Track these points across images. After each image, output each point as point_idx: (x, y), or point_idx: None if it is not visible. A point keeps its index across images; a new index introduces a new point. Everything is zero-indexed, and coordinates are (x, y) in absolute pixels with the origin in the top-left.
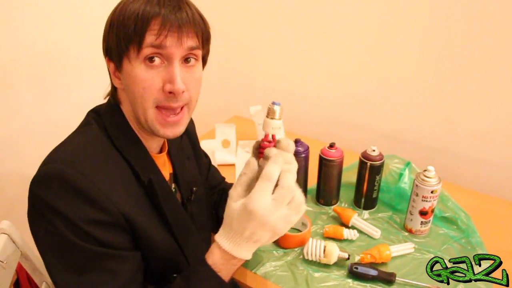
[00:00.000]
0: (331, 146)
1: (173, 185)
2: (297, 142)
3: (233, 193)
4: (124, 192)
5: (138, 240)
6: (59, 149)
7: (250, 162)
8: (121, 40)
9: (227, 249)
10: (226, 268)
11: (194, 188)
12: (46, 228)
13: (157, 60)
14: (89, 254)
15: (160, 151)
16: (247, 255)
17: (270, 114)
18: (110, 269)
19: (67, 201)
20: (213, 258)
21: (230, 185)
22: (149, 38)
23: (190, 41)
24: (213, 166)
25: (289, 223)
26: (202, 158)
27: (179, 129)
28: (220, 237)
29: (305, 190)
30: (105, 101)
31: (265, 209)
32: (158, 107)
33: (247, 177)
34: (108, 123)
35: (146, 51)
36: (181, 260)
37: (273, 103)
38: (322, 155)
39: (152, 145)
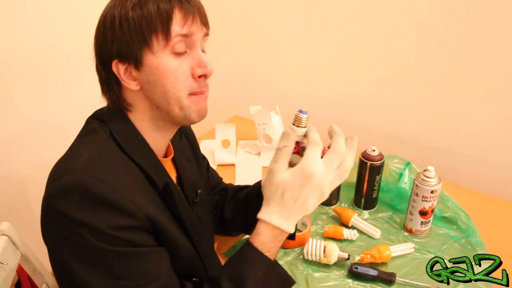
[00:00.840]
0: None
1: (177, 188)
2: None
3: (276, 167)
4: (144, 196)
5: (161, 241)
6: (71, 160)
7: (290, 133)
8: (144, 33)
9: (278, 224)
10: (275, 246)
11: (199, 191)
12: (73, 242)
13: (183, 49)
14: (123, 257)
15: (165, 156)
16: (293, 228)
17: (296, 122)
18: (148, 267)
19: (91, 211)
20: (261, 238)
21: (229, 185)
22: (176, 27)
23: (206, 26)
24: (211, 167)
25: (333, 188)
26: (202, 159)
27: (207, 109)
28: (268, 214)
29: None
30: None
31: (321, 172)
32: (190, 94)
33: (289, 150)
34: (115, 129)
35: (175, 40)
36: (197, 262)
37: (300, 111)
38: (323, 155)
39: (160, 150)
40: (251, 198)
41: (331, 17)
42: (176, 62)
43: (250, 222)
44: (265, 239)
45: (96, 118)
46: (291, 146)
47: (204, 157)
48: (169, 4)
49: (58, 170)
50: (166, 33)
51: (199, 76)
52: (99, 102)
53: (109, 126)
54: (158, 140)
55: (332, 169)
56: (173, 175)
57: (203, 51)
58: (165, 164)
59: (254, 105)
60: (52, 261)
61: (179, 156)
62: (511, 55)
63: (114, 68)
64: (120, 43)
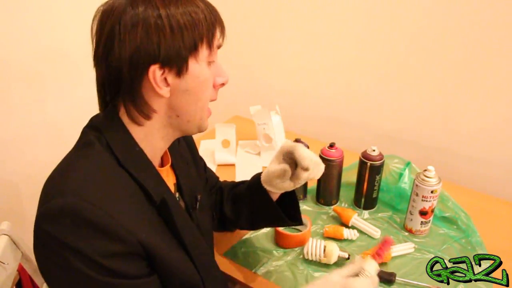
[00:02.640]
0: (331, 146)
1: (176, 194)
2: (297, 142)
3: (339, 270)
4: (137, 217)
5: (155, 263)
6: (63, 178)
7: (375, 265)
8: (194, 41)
9: None
10: None
11: (199, 196)
12: (60, 265)
13: (214, 58)
14: (108, 287)
15: (162, 164)
16: None
17: None
18: None
19: (82, 236)
20: None
21: (223, 183)
22: (216, 39)
23: None
24: (208, 167)
25: None
26: (200, 160)
27: None
28: None
29: (305, 190)
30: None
31: None
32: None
33: (348, 270)
34: (112, 140)
35: (215, 50)
36: (195, 277)
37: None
38: (322, 155)
39: (157, 158)
40: (254, 194)
41: (331, 17)
42: (209, 72)
43: (256, 219)
44: None
45: (92, 128)
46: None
47: (201, 158)
48: (212, 15)
49: (50, 189)
50: (211, 43)
51: (221, 84)
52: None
53: (106, 137)
54: (157, 149)
55: None
56: (171, 183)
57: None
58: (163, 173)
59: (254, 105)
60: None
61: (178, 161)
62: (511, 55)
63: (150, 72)
64: (169, 48)
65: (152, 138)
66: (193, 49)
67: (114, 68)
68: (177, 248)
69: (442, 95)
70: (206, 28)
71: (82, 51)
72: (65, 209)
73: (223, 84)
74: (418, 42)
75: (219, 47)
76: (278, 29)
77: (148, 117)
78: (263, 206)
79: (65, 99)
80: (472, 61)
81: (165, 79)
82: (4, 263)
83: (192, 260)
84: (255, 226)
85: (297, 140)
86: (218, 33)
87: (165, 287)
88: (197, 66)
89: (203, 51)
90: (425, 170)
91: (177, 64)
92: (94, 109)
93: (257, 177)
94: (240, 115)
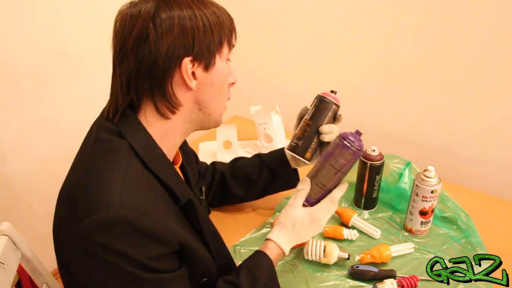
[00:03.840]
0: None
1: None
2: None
3: (295, 203)
4: (172, 217)
5: (185, 257)
6: (104, 190)
7: (308, 179)
8: (220, 38)
9: (284, 249)
10: (276, 260)
11: (203, 187)
12: (107, 271)
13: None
14: (155, 282)
15: (173, 163)
16: (288, 252)
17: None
18: None
19: (132, 244)
20: (271, 253)
21: (215, 165)
22: (233, 39)
23: None
24: (197, 156)
25: None
26: (189, 150)
27: None
28: (280, 239)
29: None
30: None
31: (325, 220)
32: None
33: (305, 192)
34: (136, 144)
35: (231, 50)
36: (211, 264)
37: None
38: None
39: (171, 157)
40: (277, 166)
41: (331, 17)
42: (228, 69)
43: (269, 189)
44: (273, 256)
45: (112, 132)
46: (307, 189)
47: (190, 149)
48: (230, 17)
49: (91, 200)
50: (230, 42)
51: (230, 84)
52: (100, 102)
53: (129, 141)
54: (174, 146)
55: (329, 216)
56: (182, 178)
57: None
58: (177, 170)
59: (254, 105)
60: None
61: (184, 159)
62: (511, 55)
63: (183, 65)
64: (201, 43)
65: (172, 135)
66: (219, 46)
67: (147, 60)
68: (199, 241)
69: (442, 95)
70: (228, 28)
71: (86, 51)
72: (115, 220)
73: (233, 84)
74: (418, 42)
75: (233, 47)
76: (278, 29)
77: (174, 111)
78: (282, 173)
79: (66, 99)
80: (472, 61)
81: (193, 73)
82: (3, 264)
83: (209, 250)
84: (263, 195)
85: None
86: (234, 34)
87: (189, 275)
88: (220, 62)
89: (225, 49)
90: (425, 170)
91: (206, 58)
92: (94, 109)
93: (282, 148)
94: (240, 115)
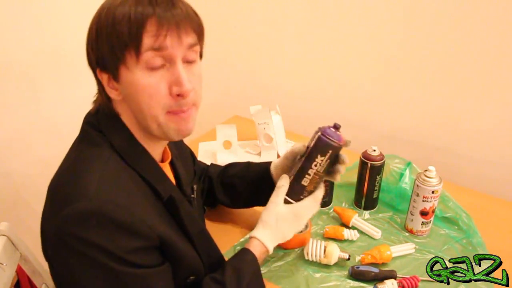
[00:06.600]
0: None
1: (181, 196)
2: (335, 126)
3: (277, 200)
4: (152, 212)
5: (167, 253)
6: (82, 181)
7: (286, 176)
8: (115, 47)
9: (268, 246)
10: (260, 258)
11: (195, 186)
12: (84, 263)
13: (158, 63)
14: (135, 277)
15: (162, 160)
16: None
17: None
18: (153, 286)
19: (108, 236)
20: (255, 250)
21: (209, 168)
22: (147, 41)
23: (189, 38)
24: (196, 158)
25: None
26: (185, 148)
27: (191, 129)
28: (263, 236)
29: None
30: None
31: (307, 217)
32: (168, 112)
33: (285, 188)
34: (116, 141)
35: (146, 55)
36: (197, 261)
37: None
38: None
39: (157, 154)
40: (262, 183)
41: (331, 17)
42: (151, 78)
43: (252, 201)
44: (258, 253)
45: (93, 126)
46: (287, 185)
47: (186, 146)
48: (140, 16)
49: (69, 192)
50: (136, 48)
51: (177, 95)
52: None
53: (109, 139)
54: (155, 146)
55: (312, 215)
56: (171, 176)
57: (190, 62)
58: (165, 168)
59: (254, 105)
60: (57, 279)
61: (174, 155)
62: (511, 55)
63: (99, 76)
64: (97, 55)
65: (143, 137)
66: (117, 58)
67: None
68: (183, 238)
69: (443, 95)
70: (128, 33)
71: (80, 50)
72: (90, 211)
73: (181, 95)
74: (419, 42)
75: (159, 49)
76: (278, 29)
77: (113, 112)
78: (265, 191)
79: (63, 98)
80: (473, 61)
81: (113, 82)
82: (2, 264)
83: (195, 248)
84: (249, 207)
85: (335, 125)
86: (149, 36)
87: (174, 273)
88: (128, 73)
89: (132, 58)
90: (426, 170)
91: (109, 69)
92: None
93: (265, 166)
94: (239, 115)
